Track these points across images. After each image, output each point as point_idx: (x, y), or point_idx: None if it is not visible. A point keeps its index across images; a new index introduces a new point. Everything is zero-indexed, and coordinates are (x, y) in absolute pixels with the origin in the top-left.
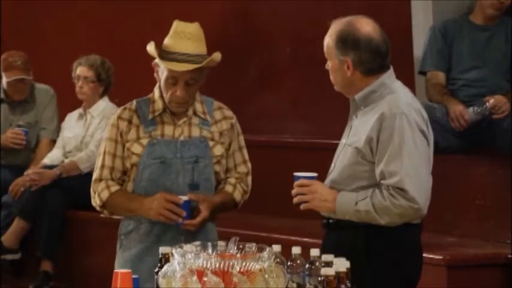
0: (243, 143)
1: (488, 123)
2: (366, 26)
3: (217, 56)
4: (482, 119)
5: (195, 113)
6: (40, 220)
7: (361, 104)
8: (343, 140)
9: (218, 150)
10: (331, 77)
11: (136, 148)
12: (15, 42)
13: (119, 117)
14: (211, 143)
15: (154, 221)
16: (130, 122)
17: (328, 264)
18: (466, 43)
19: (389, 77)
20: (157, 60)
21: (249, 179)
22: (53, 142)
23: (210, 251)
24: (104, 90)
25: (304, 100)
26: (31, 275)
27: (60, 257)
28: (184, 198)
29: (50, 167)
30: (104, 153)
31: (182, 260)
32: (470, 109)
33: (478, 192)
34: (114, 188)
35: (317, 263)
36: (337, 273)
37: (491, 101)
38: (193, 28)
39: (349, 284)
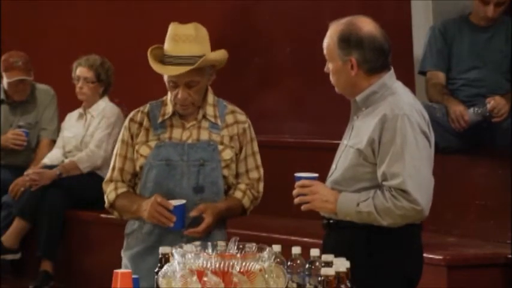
0: (256, 148)
1: (488, 123)
2: (367, 25)
3: (213, 55)
4: (483, 119)
5: (205, 117)
6: (40, 220)
7: (362, 105)
8: (344, 141)
9: (227, 154)
10: (333, 79)
11: (144, 150)
12: (15, 42)
13: (131, 120)
14: (220, 147)
15: None
16: (141, 124)
17: (328, 264)
18: (466, 43)
19: (390, 78)
20: (151, 64)
21: (261, 185)
22: (53, 142)
23: (210, 251)
24: (104, 90)
25: (304, 100)
26: (31, 275)
27: (60, 257)
28: (178, 203)
29: (50, 167)
30: (116, 155)
31: (182, 260)
32: (471, 110)
33: (478, 192)
34: (121, 190)
35: (317, 263)
36: (337, 273)
37: (491, 102)
38: (189, 29)
39: (349, 284)
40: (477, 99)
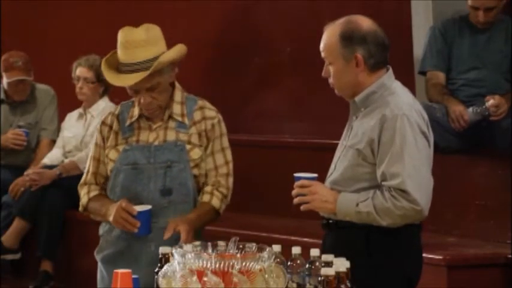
0: (226, 143)
1: (488, 123)
2: (366, 22)
3: (166, 55)
4: (482, 119)
5: (171, 117)
6: (40, 220)
7: (362, 105)
8: (344, 141)
9: (196, 153)
10: (334, 81)
11: (113, 154)
12: (15, 42)
13: (103, 123)
14: (188, 147)
15: None
16: (111, 127)
17: (328, 264)
18: (466, 43)
19: (389, 78)
20: (105, 75)
21: (230, 180)
22: (54, 142)
23: (210, 251)
24: (104, 90)
25: (304, 100)
26: (31, 275)
27: (60, 257)
28: (144, 208)
29: (50, 167)
30: (90, 158)
31: (182, 260)
32: (470, 109)
33: (478, 192)
34: (93, 193)
35: (317, 263)
36: (337, 273)
37: (490, 101)
38: (139, 33)
39: (349, 284)
40: (477, 100)
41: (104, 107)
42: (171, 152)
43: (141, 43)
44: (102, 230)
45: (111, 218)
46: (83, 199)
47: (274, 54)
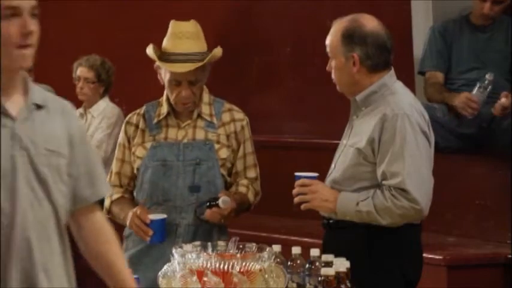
0: (253, 147)
1: (488, 123)
2: (371, 22)
3: (218, 51)
4: (487, 94)
5: (200, 116)
6: None
7: (362, 104)
8: (344, 141)
9: (224, 153)
10: (335, 77)
11: (140, 152)
12: None
13: (127, 122)
14: (216, 146)
15: None
16: (137, 126)
17: (328, 264)
18: (466, 43)
19: (390, 78)
20: (158, 63)
21: (258, 183)
22: None
23: (210, 251)
24: (104, 90)
25: (304, 100)
26: None
27: None
28: (158, 217)
29: None
30: (115, 159)
31: (182, 260)
32: (475, 90)
33: (478, 192)
34: (116, 195)
35: (317, 263)
36: (337, 273)
37: (503, 100)
38: (191, 26)
39: (349, 284)
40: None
41: (104, 107)
42: (200, 150)
43: (192, 35)
44: (127, 231)
45: (127, 224)
46: (106, 202)
47: (274, 54)
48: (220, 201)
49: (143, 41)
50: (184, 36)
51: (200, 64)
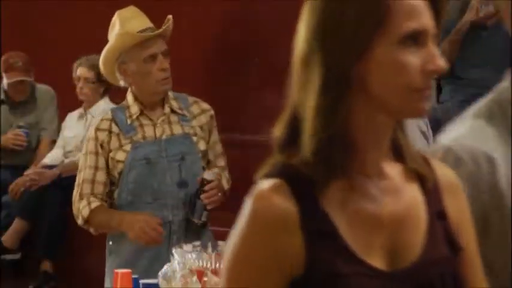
0: (218, 136)
1: None
2: None
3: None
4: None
5: (172, 110)
6: (40, 220)
7: None
8: None
9: (202, 145)
10: None
11: (121, 155)
12: (15, 42)
13: (97, 129)
14: (195, 139)
15: None
16: (110, 131)
17: None
18: (466, 43)
19: None
20: (142, 38)
21: (227, 172)
22: (54, 142)
23: (210, 251)
24: (104, 90)
25: None
26: (31, 275)
27: (60, 257)
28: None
29: (50, 167)
30: (85, 167)
31: (182, 260)
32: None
33: None
34: (95, 204)
35: None
36: None
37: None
38: (134, 9)
39: None
40: (477, 99)
41: (104, 107)
42: (182, 144)
43: (141, 15)
44: (111, 239)
45: (131, 233)
46: (84, 211)
47: (274, 54)
48: (205, 176)
49: None
50: (138, 15)
51: (165, 26)
